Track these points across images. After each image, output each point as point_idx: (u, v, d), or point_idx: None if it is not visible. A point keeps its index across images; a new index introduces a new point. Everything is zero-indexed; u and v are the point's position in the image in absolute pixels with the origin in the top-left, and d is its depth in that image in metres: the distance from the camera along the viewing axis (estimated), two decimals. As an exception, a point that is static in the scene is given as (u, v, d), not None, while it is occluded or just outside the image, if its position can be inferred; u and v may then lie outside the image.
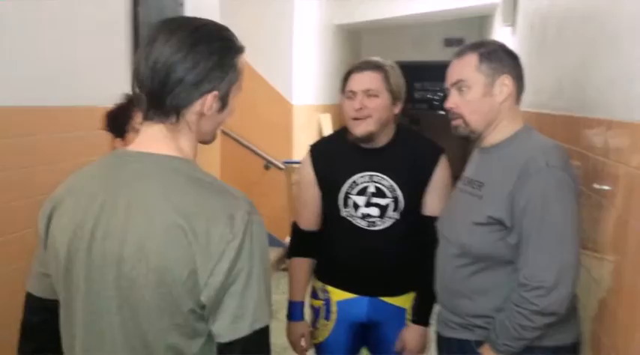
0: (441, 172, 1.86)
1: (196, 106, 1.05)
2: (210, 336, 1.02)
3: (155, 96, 1.04)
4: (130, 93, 1.58)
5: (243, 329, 0.99)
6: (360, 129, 1.79)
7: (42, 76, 2.17)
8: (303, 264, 1.97)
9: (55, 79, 2.23)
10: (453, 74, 1.57)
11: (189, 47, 1.03)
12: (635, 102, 1.43)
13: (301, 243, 1.99)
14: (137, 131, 1.54)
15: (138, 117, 1.60)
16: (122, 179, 1.03)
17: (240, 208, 1.00)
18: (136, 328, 1.00)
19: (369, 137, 1.81)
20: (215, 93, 1.06)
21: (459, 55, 1.57)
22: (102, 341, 1.03)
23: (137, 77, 1.05)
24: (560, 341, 1.50)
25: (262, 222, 1.04)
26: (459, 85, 1.54)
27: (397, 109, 1.84)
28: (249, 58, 5.09)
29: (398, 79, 1.83)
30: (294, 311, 1.98)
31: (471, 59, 1.53)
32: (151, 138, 1.07)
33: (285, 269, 5.09)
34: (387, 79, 1.79)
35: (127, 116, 1.69)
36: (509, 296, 1.45)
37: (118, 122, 1.70)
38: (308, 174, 1.93)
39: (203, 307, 0.99)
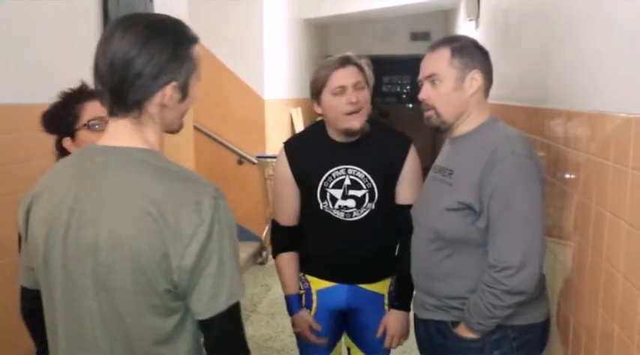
0: (411, 162, 1.93)
1: (157, 98, 1.10)
2: (185, 313, 1.10)
3: (116, 91, 1.08)
4: (65, 90, 1.61)
5: (219, 306, 1.06)
6: (356, 122, 1.82)
7: (16, 74, 2.16)
8: (290, 259, 2.00)
9: (29, 77, 2.23)
10: (426, 67, 1.64)
11: (144, 42, 1.07)
12: (589, 92, 1.52)
13: (284, 239, 2.02)
14: (90, 128, 1.57)
15: (87, 113, 1.57)
16: (92, 172, 1.09)
17: (206, 194, 1.06)
18: (113, 312, 1.07)
19: (363, 129, 1.85)
20: (174, 83, 1.10)
21: (433, 48, 1.64)
22: (82, 327, 1.09)
23: (97, 74, 1.10)
24: (530, 320, 1.58)
25: (228, 206, 1.10)
26: (432, 78, 1.61)
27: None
28: (219, 54, 5.07)
29: (370, 72, 1.89)
30: (292, 304, 2.00)
31: (444, 53, 1.60)
32: (117, 132, 1.11)
33: (261, 263, 5.13)
34: (365, 72, 1.85)
35: (70, 115, 1.58)
36: (481, 277, 1.52)
37: (61, 121, 1.59)
38: (284, 171, 1.95)
39: (177, 287, 1.05)
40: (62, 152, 1.59)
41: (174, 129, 1.19)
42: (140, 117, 1.10)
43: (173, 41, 1.10)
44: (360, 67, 1.85)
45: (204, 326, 1.09)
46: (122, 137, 1.10)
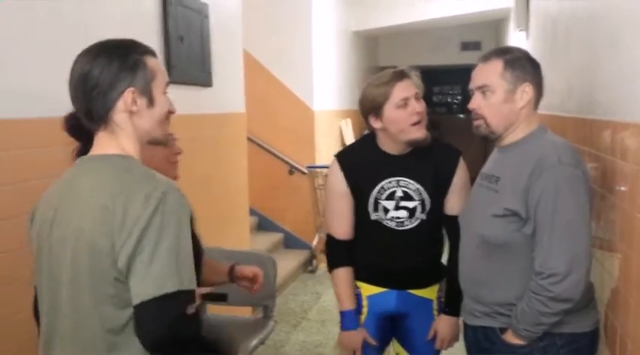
0: (460, 173, 1.97)
1: (120, 106, 1.20)
2: None
3: (84, 107, 1.21)
4: None
5: (147, 292, 1.10)
6: (421, 132, 1.87)
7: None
8: (346, 273, 2.01)
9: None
10: (477, 78, 1.67)
11: (95, 57, 1.20)
12: (637, 103, 1.52)
13: (340, 253, 2.02)
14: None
15: None
16: (72, 177, 1.23)
17: (156, 188, 1.14)
18: (78, 300, 1.18)
19: (427, 139, 1.90)
20: (131, 89, 1.20)
21: (485, 59, 1.66)
22: (57, 315, 1.22)
23: (70, 98, 1.23)
24: (579, 329, 1.58)
25: (181, 200, 1.17)
26: (483, 88, 1.64)
27: None
28: (270, 66, 5.21)
29: (421, 83, 1.95)
30: (348, 320, 2.00)
31: (497, 65, 1.62)
32: (98, 143, 1.25)
33: (311, 271, 5.22)
34: (418, 84, 1.92)
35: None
36: (528, 284, 1.54)
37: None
38: (339, 184, 1.97)
39: (123, 275, 1.13)
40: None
41: (157, 138, 1.30)
42: (110, 126, 1.22)
43: (119, 54, 1.22)
44: (415, 79, 1.91)
45: (136, 311, 1.12)
46: (102, 147, 1.23)
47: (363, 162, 1.98)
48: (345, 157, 2.02)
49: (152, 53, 1.27)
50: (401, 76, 1.89)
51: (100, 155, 1.23)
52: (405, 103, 1.86)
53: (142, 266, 1.11)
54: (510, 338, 1.60)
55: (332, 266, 2.04)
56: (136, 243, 1.10)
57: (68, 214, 1.19)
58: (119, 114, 1.21)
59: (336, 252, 2.03)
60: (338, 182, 1.98)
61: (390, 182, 1.94)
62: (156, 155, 1.58)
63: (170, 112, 1.29)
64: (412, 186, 1.93)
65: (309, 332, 3.88)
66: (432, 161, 1.95)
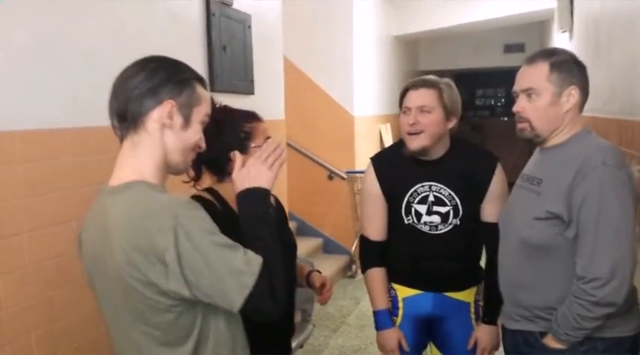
0: (497, 180, 1.95)
1: (155, 114, 1.16)
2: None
3: (119, 106, 1.17)
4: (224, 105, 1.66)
5: (236, 303, 1.10)
6: (414, 143, 1.90)
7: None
8: (379, 274, 2.03)
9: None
10: (523, 80, 1.64)
11: (144, 64, 1.18)
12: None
13: (374, 254, 2.05)
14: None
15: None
16: (105, 213, 1.17)
17: (163, 218, 1.08)
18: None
19: (423, 151, 1.91)
20: (172, 101, 1.16)
21: (531, 61, 1.63)
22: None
23: (109, 108, 1.19)
24: (620, 333, 1.56)
25: (193, 214, 1.12)
26: (528, 91, 1.62)
27: (451, 124, 1.93)
28: (310, 72, 5.28)
29: (452, 96, 1.92)
30: (381, 320, 2.02)
31: (542, 68, 1.59)
32: (119, 163, 1.20)
33: (351, 276, 5.23)
34: (440, 96, 1.89)
35: (249, 132, 1.58)
36: (570, 288, 1.52)
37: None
38: (373, 186, 2.01)
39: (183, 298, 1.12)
40: None
41: (175, 164, 1.22)
42: (138, 134, 1.17)
43: (171, 67, 1.20)
44: (436, 90, 1.89)
45: (243, 316, 1.17)
46: (121, 165, 1.19)
47: (397, 166, 2.00)
48: (380, 161, 2.06)
49: (203, 82, 1.25)
50: (415, 84, 1.92)
51: (123, 186, 1.16)
52: (406, 111, 1.91)
53: (211, 290, 1.10)
54: (550, 342, 1.59)
55: (365, 266, 2.08)
56: (180, 271, 1.08)
57: (106, 257, 1.15)
58: (152, 122, 1.17)
59: (369, 253, 2.07)
60: (372, 185, 2.02)
61: (422, 186, 1.95)
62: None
63: (198, 146, 1.25)
64: (444, 191, 1.94)
65: (347, 337, 3.89)
66: (467, 167, 1.95)
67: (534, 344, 1.63)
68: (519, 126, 1.66)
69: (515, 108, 1.66)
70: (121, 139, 1.20)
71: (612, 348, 1.56)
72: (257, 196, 1.27)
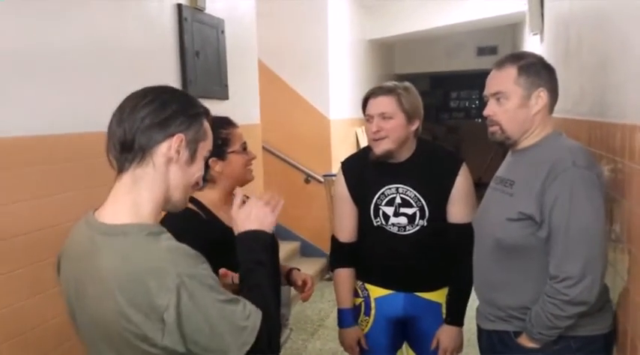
0: (461, 181, 1.99)
1: (163, 148, 1.10)
2: None
3: (123, 138, 1.09)
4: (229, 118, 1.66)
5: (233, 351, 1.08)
6: (379, 148, 1.95)
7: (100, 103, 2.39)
8: (346, 274, 2.11)
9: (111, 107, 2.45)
10: (492, 84, 1.68)
11: (155, 94, 1.13)
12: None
13: (342, 254, 2.12)
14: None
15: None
16: (87, 253, 1.10)
17: (166, 276, 1.03)
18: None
19: (388, 155, 1.96)
20: (181, 135, 1.11)
21: (499, 66, 1.66)
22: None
23: (108, 134, 1.12)
24: (593, 332, 1.59)
25: (196, 271, 1.07)
26: (497, 95, 1.65)
27: (414, 126, 1.97)
28: (285, 76, 5.28)
29: (412, 99, 1.96)
30: (344, 318, 2.10)
31: (511, 72, 1.62)
32: (115, 196, 1.12)
33: (329, 279, 5.23)
34: (400, 101, 1.93)
35: (226, 138, 1.66)
36: (543, 288, 1.54)
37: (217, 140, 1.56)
38: (342, 190, 2.07)
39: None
40: None
41: (177, 202, 1.17)
42: (141, 167, 1.10)
43: (184, 101, 1.15)
44: (395, 96, 1.93)
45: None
46: (116, 204, 1.11)
47: (365, 170, 2.05)
48: (349, 165, 2.12)
49: (209, 116, 1.21)
50: (374, 93, 1.98)
51: (119, 229, 1.09)
52: (369, 119, 1.97)
53: (214, 344, 1.07)
54: (525, 341, 1.61)
55: (333, 266, 2.15)
56: (178, 329, 1.04)
57: (96, 301, 1.09)
58: (160, 156, 1.11)
59: (338, 254, 2.13)
60: (341, 188, 2.08)
61: (389, 189, 2.00)
62: (236, 162, 1.69)
63: (197, 183, 1.20)
64: (410, 193, 1.98)
65: (325, 340, 3.88)
66: (431, 169, 1.99)
67: (509, 343, 1.65)
68: (490, 129, 1.69)
69: (485, 112, 1.69)
70: (119, 170, 1.13)
71: (585, 347, 1.58)
72: (258, 240, 1.26)
